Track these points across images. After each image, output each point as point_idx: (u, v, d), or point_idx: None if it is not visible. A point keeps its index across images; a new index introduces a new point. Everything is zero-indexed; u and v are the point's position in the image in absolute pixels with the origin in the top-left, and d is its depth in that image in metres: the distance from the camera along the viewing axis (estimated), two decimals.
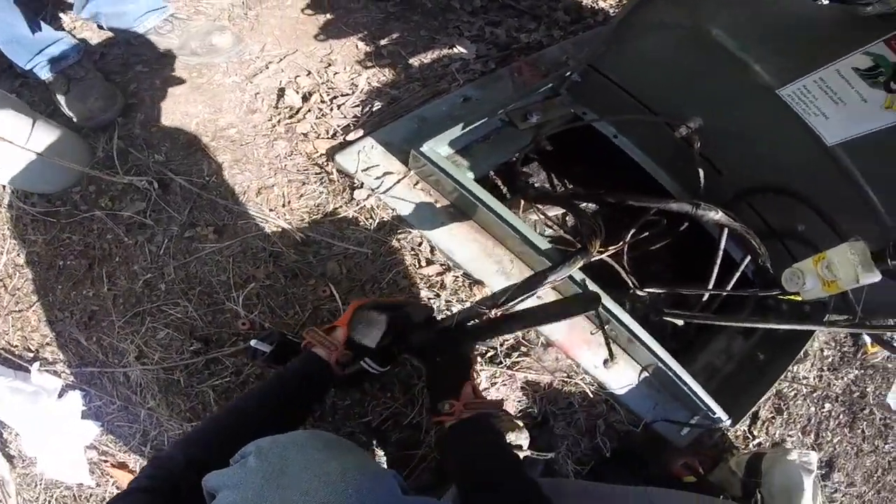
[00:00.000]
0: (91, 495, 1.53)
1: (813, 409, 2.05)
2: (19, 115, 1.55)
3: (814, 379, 2.09)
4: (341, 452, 0.79)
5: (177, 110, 1.89)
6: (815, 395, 2.06)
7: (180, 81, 1.95)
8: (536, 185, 2.02)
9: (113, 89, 1.86)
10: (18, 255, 1.71)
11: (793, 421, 2.00)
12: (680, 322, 1.70)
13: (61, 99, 1.81)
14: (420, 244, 1.74)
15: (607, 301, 1.52)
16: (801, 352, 1.97)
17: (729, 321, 1.63)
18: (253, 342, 1.37)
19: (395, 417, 1.57)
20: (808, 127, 1.36)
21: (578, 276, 1.53)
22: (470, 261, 1.71)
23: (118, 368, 1.57)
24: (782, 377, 1.85)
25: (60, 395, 1.53)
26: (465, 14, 2.35)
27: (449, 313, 1.64)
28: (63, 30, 1.97)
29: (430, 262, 1.72)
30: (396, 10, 2.29)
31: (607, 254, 1.61)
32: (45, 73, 1.79)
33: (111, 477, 1.53)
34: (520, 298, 1.35)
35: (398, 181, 1.75)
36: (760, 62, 1.38)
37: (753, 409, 1.80)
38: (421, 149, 1.64)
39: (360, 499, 0.70)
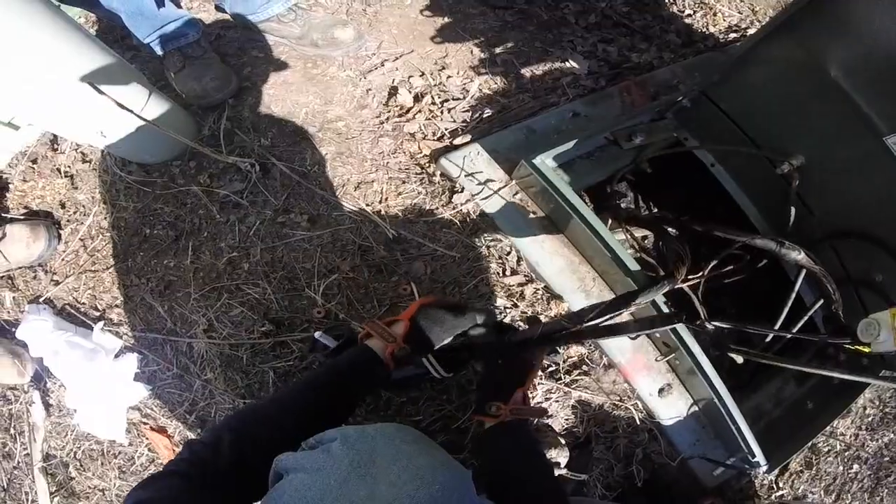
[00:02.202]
0: (119, 453, 1.53)
1: (841, 468, 1.96)
2: (137, 85, 1.55)
3: (851, 437, 2.00)
4: (429, 448, 0.79)
5: (287, 98, 1.89)
6: (847, 453, 1.97)
7: (294, 70, 1.95)
8: (623, 205, 1.97)
9: (228, 71, 1.87)
10: (105, 218, 1.72)
11: (819, 478, 1.92)
12: (740, 359, 1.62)
13: (173, 76, 1.83)
14: (508, 253, 1.69)
15: (681, 327, 1.49)
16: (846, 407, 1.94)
17: (792, 364, 1.52)
18: (317, 334, 1.35)
19: (445, 420, 1.54)
20: None
21: (661, 300, 1.49)
22: (554, 275, 1.67)
23: (184, 338, 1.55)
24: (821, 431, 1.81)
25: (117, 356, 1.52)
26: (580, 29, 2.32)
27: (522, 325, 1.62)
28: (182, 8, 2.02)
29: (514, 273, 1.67)
30: (513, 19, 2.26)
31: (693, 282, 1.57)
32: (163, 49, 1.81)
33: (146, 439, 1.52)
34: (605, 318, 1.29)
35: (499, 189, 1.70)
36: (875, 107, 1.35)
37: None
38: (533, 160, 1.61)
39: (445, 495, 0.69)
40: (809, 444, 1.83)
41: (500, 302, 1.63)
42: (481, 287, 1.64)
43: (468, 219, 1.69)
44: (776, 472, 1.84)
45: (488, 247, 1.68)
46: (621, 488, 1.63)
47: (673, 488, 1.67)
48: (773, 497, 1.85)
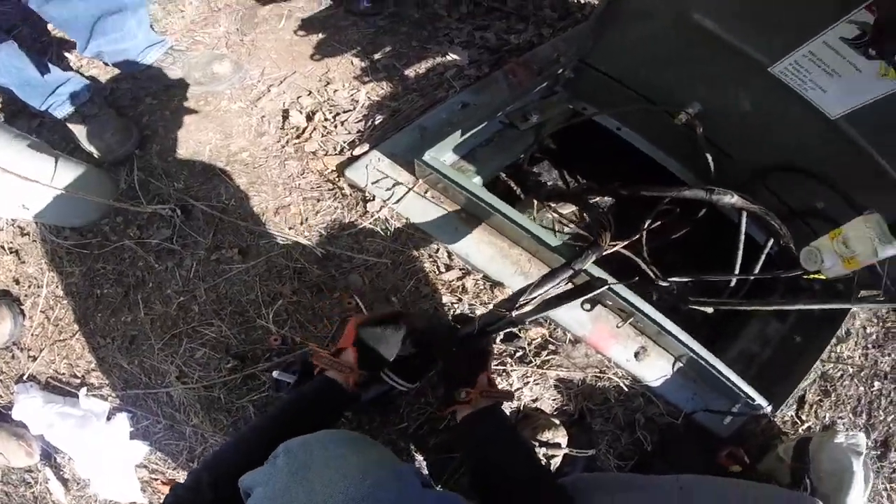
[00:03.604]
0: None
1: (862, 388, 1.98)
2: (41, 155, 1.64)
3: (859, 358, 2.02)
4: (363, 448, 0.87)
5: (190, 139, 1.98)
6: (862, 374, 2.00)
7: (189, 111, 2.04)
8: (549, 183, 2.05)
9: (127, 123, 1.95)
10: (57, 287, 1.81)
11: (842, 402, 1.95)
12: (709, 310, 1.68)
13: (79, 136, 1.90)
14: (437, 251, 1.81)
15: (618, 287, 1.51)
16: (843, 331, 1.97)
17: (755, 305, 1.62)
18: (275, 374, 1.46)
19: (431, 422, 1.63)
20: (808, 102, 1.34)
21: (595, 271, 1.50)
22: (488, 263, 1.76)
23: (161, 389, 1.67)
24: (825, 358, 1.85)
25: (109, 418, 1.64)
26: (453, 21, 2.40)
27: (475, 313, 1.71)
28: (71, 69, 2.07)
29: (449, 268, 1.80)
30: (386, 23, 2.34)
31: (621, 246, 1.64)
32: (59, 113, 1.88)
33: (162, 494, 1.62)
34: (536, 296, 1.35)
35: (408, 191, 1.82)
36: (747, 42, 1.36)
37: (796, 392, 1.81)
38: (423, 157, 1.68)
39: (376, 491, 0.76)
40: (813, 375, 1.87)
41: (445, 299, 1.75)
42: (422, 287, 1.76)
43: (388, 224, 1.82)
44: (794, 406, 1.88)
45: (417, 248, 1.80)
46: (636, 455, 1.69)
47: (688, 445, 1.70)
48: (800, 431, 1.86)
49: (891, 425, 1.97)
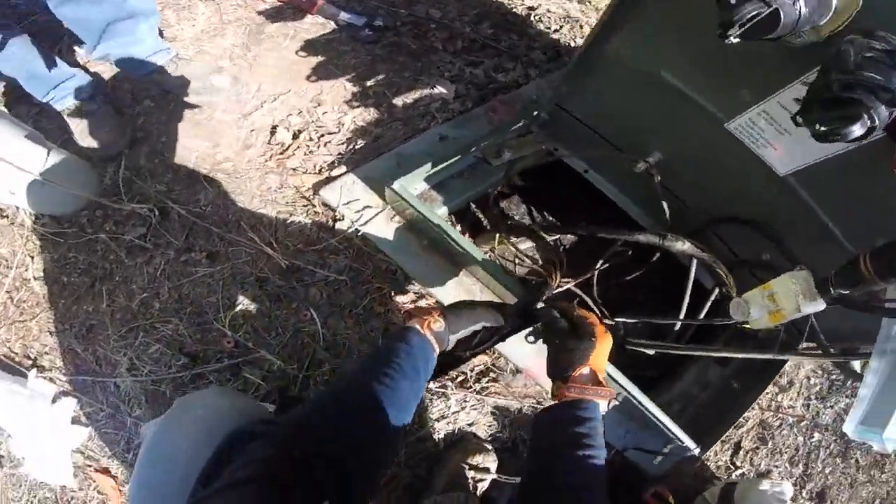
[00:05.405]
0: (73, 499, 1.65)
1: (801, 438, 2.04)
2: (36, 147, 1.72)
3: (801, 408, 2.08)
4: (241, 401, 1.06)
5: (179, 144, 2.06)
6: (802, 424, 2.05)
7: (183, 118, 2.11)
8: (516, 217, 2.10)
9: (122, 122, 2.04)
10: (27, 270, 1.86)
11: (779, 451, 2.00)
12: (650, 352, 1.65)
13: (74, 130, 1.98)
14: (396, 273, 1.87)
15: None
16: (786, 381, 2.01)
17: (692, 350, 1.62)
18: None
19: None
20: (759, 158, 1.38)
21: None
22: (442, 290, 1.79)
23: (110, 378, 1.71)
24: (764, 406, 1.88)
25: (54, 401, 1.67)
26: (448, 55, 2.47)
27: None
28: (78, 64, 2.16)
29: (404, 291, 1.86)
30: (383, 52, 2.42)
31: (572, 284, 1.67)
32: (60, 106, 1.96)
33: (93, 481, 1.65)
34: (492, 341, 1.29)
35: (376, 214, 1.87)
36: (708, 98, 1.41)
37: (726, 438, 1.84)
38: (393, 185, 1.71)
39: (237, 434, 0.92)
40: (750, 422, 1.91)
41: (396, 320, 1.82)
42: (376, 307, 1.83)
43: (352, 244, 1.88)
44: (729, 451, 1.92)
45: (376, 269, 1.87)
46: None
47: (614, 481, 1.68)
48: (733, 476, 1.90)
49: (828, 477, 2.02)
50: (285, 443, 0.85)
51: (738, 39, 0.97)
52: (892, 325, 1.04)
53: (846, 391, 2.15)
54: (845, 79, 0.90)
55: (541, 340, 1.26)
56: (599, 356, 1.12)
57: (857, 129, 0.91)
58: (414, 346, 1.09)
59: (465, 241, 1.64)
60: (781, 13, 0.92)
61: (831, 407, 2.12)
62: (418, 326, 1.13)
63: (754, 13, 0.92)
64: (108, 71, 2.21)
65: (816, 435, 2.05)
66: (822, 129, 0.97)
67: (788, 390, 2.08)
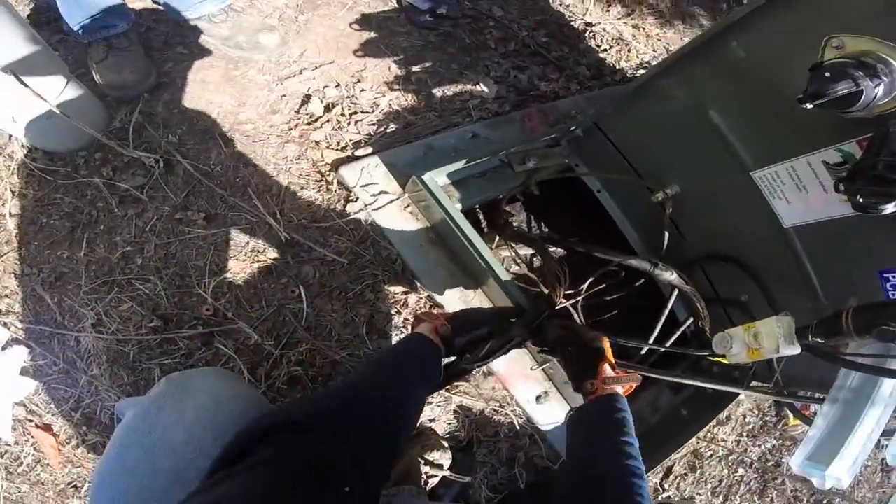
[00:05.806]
0: (5, 452, 1.50)
1: (726, 471, 2.14)
2: (58, 76, 1.59)
3: (732, 443, 2.17)
4: (240, 386, 0.95)
5: (203, 97, 1.92)
6: (730, 458, 2.15)
7: (215, 70, 1.98)
8: (515, 224, 2.08)
9: (150, 65, 1.89)
10: (4, 204, 1.71)
11: (705, 480, 2.08)
12: None
13: (95, 65, 1.84)
14: (395, 262, 1.79)
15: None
16: (724, 415, 2.14)
17: (654, 373, 1.61)
18: None
19: None
20: (770, 208, 1.46)
21: None
22: (437, 286, 1.77)
23: (72, 332, 1.56)
24: (700, 436, 1.99)
25: (4, 348, 1.52)
26: (498, 55, 2.43)
27: (405, 331, 1.74)
28: None
29: (398, 282, 1.78)
30: (437, 40, 2.34)
31: (570, 302, 1.68)
32: (91, 37, 1.82)
33: (32, 437, 1.50)
34: (496, 352, 1.35)
35: (391, 201, 1.80)
36: (745, 145, 1.47)
37: (665, 462, 1.94)
38: (423, 177, 1.70)
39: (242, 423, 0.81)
40: (685, 449, 1.98)
41: (383, 307, 1.73)
42: (367, 294, 1.73)
43: (360, 227, 1.77)
44: (660, 474, 1.99)
45: (376, 255, 1.77)
46: (506, 490, 1.71)
47: (554, 486, 1.74)
48: (660, 498, 1.96)
49: None
50: (317, 438, 0.79)
51: (812, 106, 1.04)
52: (848, 376, 1.18)
53: (775, 433, 2.29)
54: (892, 161, 1.01)
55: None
56: (609, 352, 1.26)
57: (891, 207, 1.02)
58: (426, 351, 1.23)
59: (484, 247, 1.64)
60: (864, 94, 0.99)
61: (759, 446, 2.24)
62: (428, 333, 1.26)
63: (844, 92, 1.00)
64: (148, 6, 2.08)
65: (741, 470, 2.17)
66: (861, 200, 1.06)
67: (725, 424, 2.19)
